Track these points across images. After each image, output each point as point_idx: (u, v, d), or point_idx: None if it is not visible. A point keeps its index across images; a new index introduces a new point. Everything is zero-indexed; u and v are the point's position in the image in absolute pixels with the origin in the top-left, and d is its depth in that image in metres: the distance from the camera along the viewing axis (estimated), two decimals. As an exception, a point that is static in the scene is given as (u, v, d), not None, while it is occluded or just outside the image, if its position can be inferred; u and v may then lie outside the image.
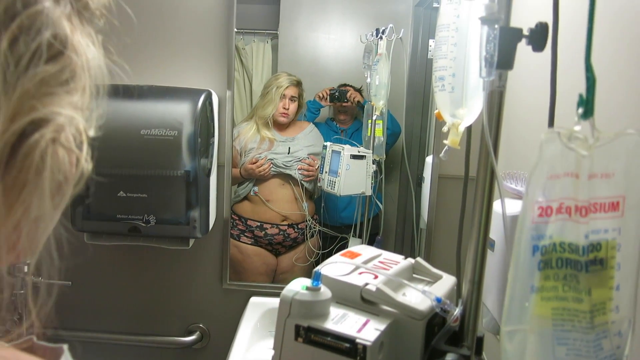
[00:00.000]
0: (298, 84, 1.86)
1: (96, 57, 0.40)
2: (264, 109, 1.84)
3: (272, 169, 1.84)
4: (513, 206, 0.88)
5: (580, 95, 0.52)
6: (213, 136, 1.61)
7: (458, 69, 0.87)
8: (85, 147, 0.40)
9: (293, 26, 1.92)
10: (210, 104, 1.57)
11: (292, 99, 1.85)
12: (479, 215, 0.85)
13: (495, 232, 1.01)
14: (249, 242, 1.86)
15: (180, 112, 1.47)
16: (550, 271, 0.55)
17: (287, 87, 1.84)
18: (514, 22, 0.78)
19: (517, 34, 0.69)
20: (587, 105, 0.52)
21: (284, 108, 1.84)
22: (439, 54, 0.89)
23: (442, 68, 0.88)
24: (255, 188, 1.85)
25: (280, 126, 1.87)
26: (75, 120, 0.37)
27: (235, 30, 1.63)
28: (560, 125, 0.54)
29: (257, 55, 1.95)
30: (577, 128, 0.52)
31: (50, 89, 0.35)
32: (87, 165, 0.40)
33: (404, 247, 1.94)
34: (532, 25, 0.70)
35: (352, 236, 1.91)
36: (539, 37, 0.69)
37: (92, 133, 0.41)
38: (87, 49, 0.39)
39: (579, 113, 0.52)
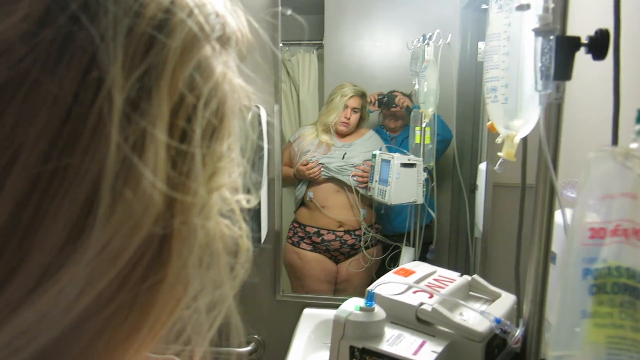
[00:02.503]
0: (362, 95, 1.86)
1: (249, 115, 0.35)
2: (327, 115, 1.85)
3: (324, 172, 1.84)
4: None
5: (639, 111, 0.48)
6: (262, 150, 1.62)
7: (511, 79, 0.83)
8: (243, 224, 0.35)
9: (338, 35, 1.92)
10: (259, 118, 1.59)
11: (354, 110, 1.84)
12: (539, 231, 0.82)
13: (557, 244, 0.96)
14: (309, 249, 1.88)
15: (230, 129, 1.50)
16: (605, 296, 0.52)
17: (350, 96, 1.83)
18: (571, 29, 0.74)
19: (574, 43, 0.65)
20: (644, 121, 0.48)
21: (346, 118, 1.84)
22: (490, 64, 0.86)
23: (494, 79, 0.85)
24: (311, 194, 1.86)
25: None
26: (229, 196, 0.33)
27: (282, 43, 1.63)
28: (618, 140, 0.50)
29: (303, 66, 1.96)
30: (633, 146, 0.48)
31: (211, 167, 0.30)
32: (248, 244, 0.35)
33: (458, 256, 1.88)
34: (592, 33, 0.66)
35: (405, 245, 1.88)
36: (600, 45, 0.65)
37: (247, 204, 0.35)
38: (238, 107, 0.33)
39: (636, 130, 0.48)
